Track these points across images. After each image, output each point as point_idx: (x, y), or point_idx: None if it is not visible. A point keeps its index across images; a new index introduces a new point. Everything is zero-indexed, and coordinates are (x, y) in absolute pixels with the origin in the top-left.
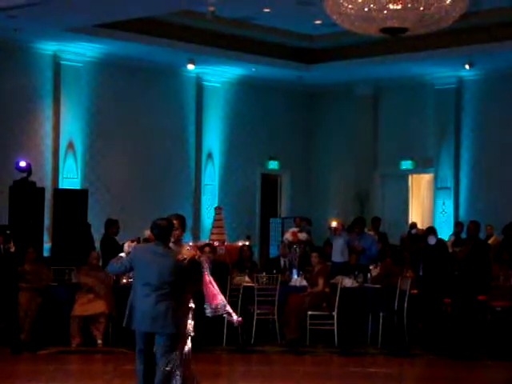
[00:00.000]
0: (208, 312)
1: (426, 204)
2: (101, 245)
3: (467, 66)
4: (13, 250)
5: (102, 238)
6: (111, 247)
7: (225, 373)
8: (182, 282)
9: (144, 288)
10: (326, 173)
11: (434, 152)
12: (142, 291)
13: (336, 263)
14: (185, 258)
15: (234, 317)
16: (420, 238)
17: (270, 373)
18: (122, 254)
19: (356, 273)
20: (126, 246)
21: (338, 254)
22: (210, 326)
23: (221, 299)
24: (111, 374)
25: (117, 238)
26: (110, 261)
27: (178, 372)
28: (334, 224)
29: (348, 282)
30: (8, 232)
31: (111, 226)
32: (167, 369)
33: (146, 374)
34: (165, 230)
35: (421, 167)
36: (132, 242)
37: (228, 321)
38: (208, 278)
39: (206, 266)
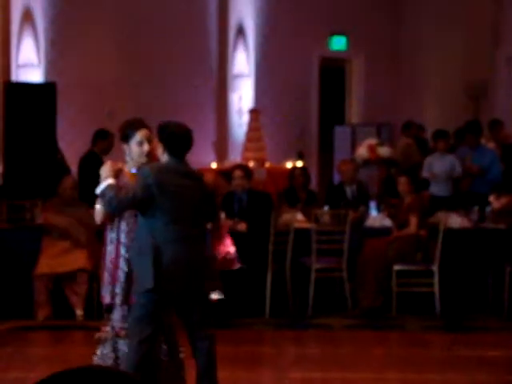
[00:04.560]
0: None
1: None
2: (80, 167)
3: None
4: None
5: (83, 157)
6: (96, 172)
7: (269, 357)
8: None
9: (174, 227)
10: (418, 54)
11: None
12: (172, 232)
13: (437, 196)
14: (209, 183)
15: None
16: None
17: (336, 357)
18: (110, 182)
19: (468, 206)
20: (107, 168)
21: (441, 182)
22: (242, 286)
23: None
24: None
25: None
26: (103, 194)
27: None
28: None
29: (456, 221)
30: None
31: (102, 139)
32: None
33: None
34: (184, 141)
35: None
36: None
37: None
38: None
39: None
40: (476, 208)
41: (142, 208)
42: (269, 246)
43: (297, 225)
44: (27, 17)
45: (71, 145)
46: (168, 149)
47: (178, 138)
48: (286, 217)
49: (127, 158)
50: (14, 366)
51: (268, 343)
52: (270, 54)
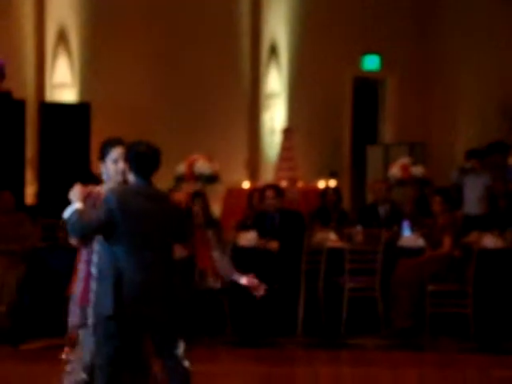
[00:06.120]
0: (213, 284)
1: None
2: None
3: None
4: None
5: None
6: None
7: (302, 377)
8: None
9: (136, 253)
10: (452, 73)
11: None
12: (135, 258)
13: (470, 216)
14: (180, 202)
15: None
16: None
17: (369, 378)
18: (78, 206)
19: (503, 226)
20: (76, 192)
21: (474, 201)
22: (274, 306)
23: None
24: None
25: None
26: (67, 217)
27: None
28: (467, 165)
29: (490, 241)
30: None
31: None
32: (187, 365)
33: None
34: (152, 162)
35: None
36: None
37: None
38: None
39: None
40: (510, 228)
41: (106, 233)
42: (301, 265)
43: (330, 244)
44: (61, 37)
45: None
46: (134, 169)
47: (143, 158)
48: (319, 236)
49: (104, 177)
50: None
51: (301, 363)
52: (302, 73)
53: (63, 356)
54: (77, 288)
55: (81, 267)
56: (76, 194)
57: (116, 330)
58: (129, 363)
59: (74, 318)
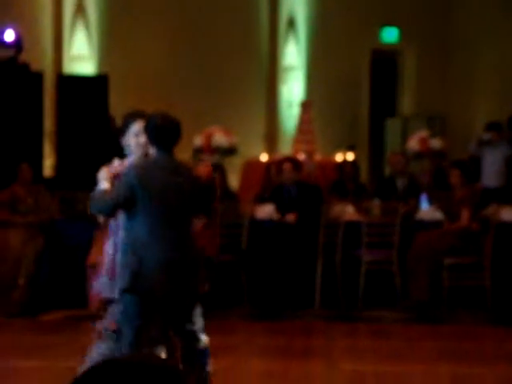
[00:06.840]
0: None
1: None
2: None
3: None
4: None
5: None
6: None
7: (320, 349)
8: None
9: (158, 228)
10: (470, 46)
11: None
12: (156, 233)
13: (489, 189)
14: (199, 176)
15: None
16: None
17: (386, 350)
18: (104, 186)
19: None
20: (104, 173)
21: (493, 174)
22: (292, 278)
23: None
24: None
25: None
26: (92, 196)
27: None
28: (486, 135)
29: (508, 214)
30: None
31: None
32: (204, 341)
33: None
34: (173, 134)
35: None
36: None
37: None
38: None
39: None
40: None
41: (127, 208)
42: (319, 238)
43: (347, 217)
44: (79, 9)
45: None
46: (154, 142)
47: (164, 131)
48: (337, 209)
49: (127, 151)
50: (68, 354)
51: (318, 335)
52: (320, 46)
53: (97, 325)
54: (106, 263)
55: (109, 243)
56: (103, 175)
57: (138, 307)
58: (155, 340)
59: (104, 292)
